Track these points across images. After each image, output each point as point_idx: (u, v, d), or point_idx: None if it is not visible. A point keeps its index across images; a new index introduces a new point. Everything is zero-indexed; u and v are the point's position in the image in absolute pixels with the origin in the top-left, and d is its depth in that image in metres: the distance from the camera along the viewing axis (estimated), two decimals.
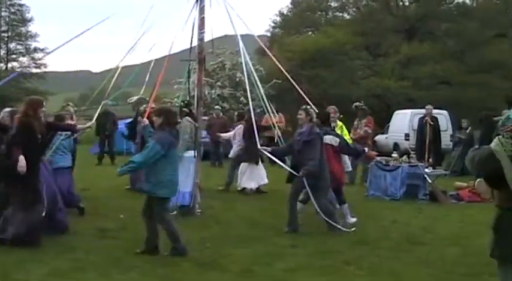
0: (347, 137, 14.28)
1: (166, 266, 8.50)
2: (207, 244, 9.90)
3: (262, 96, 13.11)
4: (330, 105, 13.94)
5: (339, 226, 10.81)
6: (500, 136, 4.94)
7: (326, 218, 10.78)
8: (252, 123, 12.80)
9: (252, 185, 15.95)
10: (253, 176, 15.97)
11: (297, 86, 12.79)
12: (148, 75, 13.32)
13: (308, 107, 11.35)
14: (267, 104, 13.43)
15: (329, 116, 12.52)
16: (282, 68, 14.04)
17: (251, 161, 15.85)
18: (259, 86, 13.34)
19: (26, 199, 9.24)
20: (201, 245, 9.83)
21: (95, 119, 12.68)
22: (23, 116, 9.44)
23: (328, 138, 11.64)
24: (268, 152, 11.86)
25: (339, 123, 14.43)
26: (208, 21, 12.70)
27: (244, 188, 16.11)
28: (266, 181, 16.17)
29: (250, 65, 13.80)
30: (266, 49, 16.48)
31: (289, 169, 11.16)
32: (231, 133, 17.58)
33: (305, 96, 12.17)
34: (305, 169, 10.64)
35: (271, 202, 14.50)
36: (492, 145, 4.94)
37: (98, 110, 13.54)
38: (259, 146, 12.29)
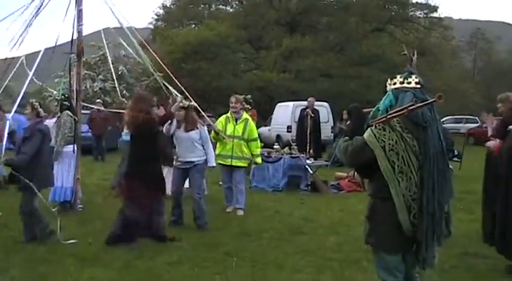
0: (252, 133, 12.55)
1: (47, 263, 8.32)
2: (89, 239, 9.73)
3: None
4: (212, 97, 13.40)
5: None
6: (372, 127, 5.10)
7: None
8: None
9: None
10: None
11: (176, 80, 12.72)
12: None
13: (34, 101, 9.99)
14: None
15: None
16: (161, 62, 13.84)
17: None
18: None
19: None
20: (83, 241, 9.66)
21: None
22: (141, 113, 9.37)
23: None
24: None
25: (245, 115, 12.75)
26: (89, 13, 12.51)
27: None
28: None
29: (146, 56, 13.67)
30: (145, 43, 16.33)
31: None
32: None
33: (184, 90, 12.12)
34: (8, 159, 9.53)
35: None
36: (365, 136, 5.10)
37: None
38: None
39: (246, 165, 12.97)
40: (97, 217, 11.69)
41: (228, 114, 12.67)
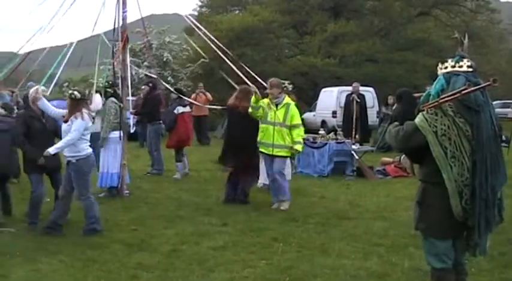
0: (294, 119, 11.36)
1: (94, 248, 8.42)
2: (135, 225, 9.83)
3: None
4: (256, 83, 12.66)
5: None
6: (424, 112, 5.02)
7: None
8: None
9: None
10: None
11: (232, 64, 12.69)
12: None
13: None
14: None
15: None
16: (213, 46, 13.80)
17: None
18: None
19: None
20: (130, 226, 9.77)
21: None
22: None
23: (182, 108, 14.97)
24: None
25: (286, 100, 11.56)
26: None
27: None
28: None
29: None
30: (200, 26, 16.32)
31: None
32: None
33: (240, 74, 12.16)
34: None
35: (198, 182, 14.49)
36: (416, 120, 5.03)
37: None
38: None
39: (288, 154, 11.63)
40: (143, 203, 11.81)
41: (268, 100, 11.51)
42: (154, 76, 18.62)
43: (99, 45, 13.15)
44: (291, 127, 11.36)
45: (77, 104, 9.31)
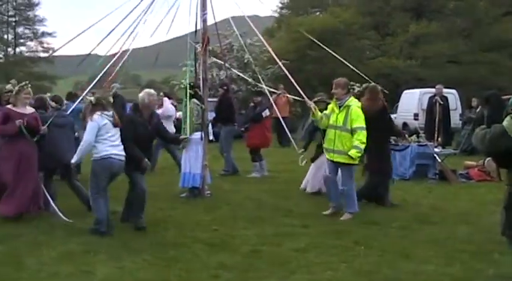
0: (354, 122, 10.43)
1: (176, 247, 8.54)
2: (216, 225, 9.92)
3: None
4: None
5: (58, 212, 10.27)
6: None
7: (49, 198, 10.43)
8: None
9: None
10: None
11: (287, 73, 12.62)
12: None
13: None
14: None
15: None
16: (275, 56, 13.77)
17: None
18: None
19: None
20: (211, 226, 9.86)
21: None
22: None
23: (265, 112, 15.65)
24: None
25: (349, 101, 10.63)
26: (214, 2, 12.72)
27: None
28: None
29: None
30: (260, 36, 16.41)
31: None
32: None
33: (294, 82, 12.09)
34: None
35: (279, 183, 14.52)
36: (504, 123, 4.92)
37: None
38: None
39: (349, 161, 10.54)
40: (224, 203, 11.89)
41: (333, 102, 10.93)
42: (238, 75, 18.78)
43: (188, 45, 13.35)
44: (352, 131, 10.52)
45: (91, 110, 9.41)
